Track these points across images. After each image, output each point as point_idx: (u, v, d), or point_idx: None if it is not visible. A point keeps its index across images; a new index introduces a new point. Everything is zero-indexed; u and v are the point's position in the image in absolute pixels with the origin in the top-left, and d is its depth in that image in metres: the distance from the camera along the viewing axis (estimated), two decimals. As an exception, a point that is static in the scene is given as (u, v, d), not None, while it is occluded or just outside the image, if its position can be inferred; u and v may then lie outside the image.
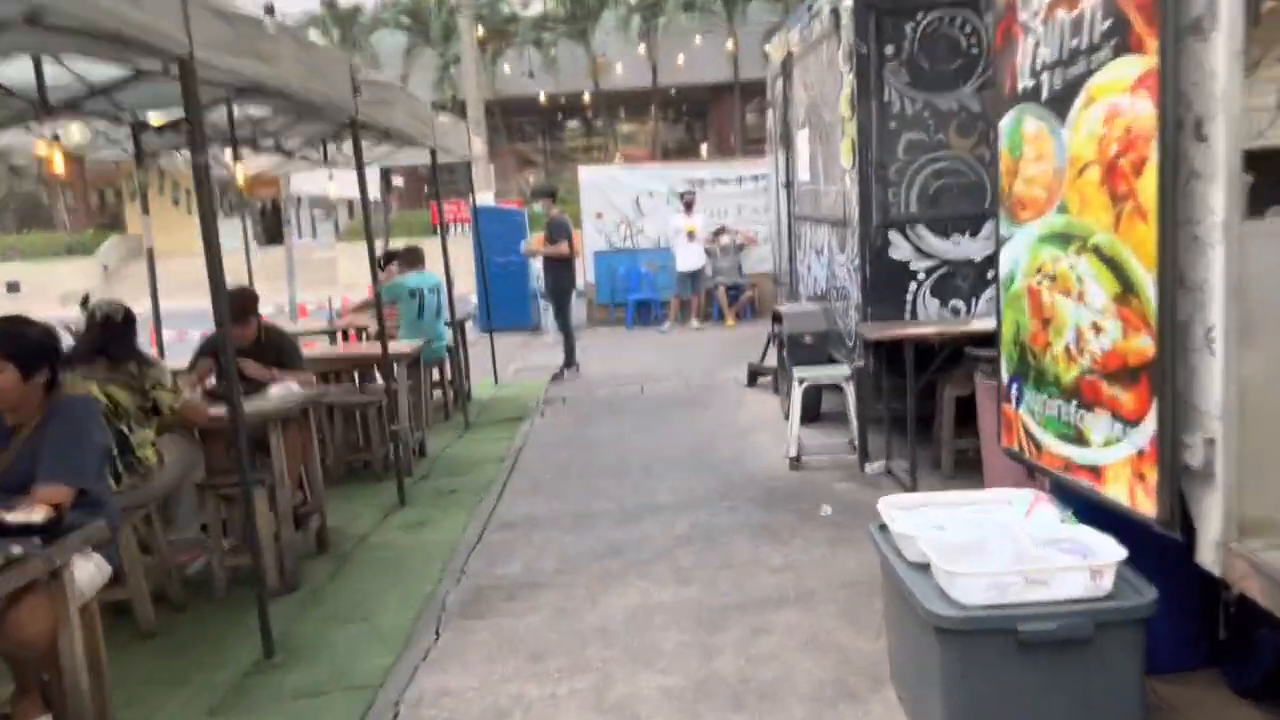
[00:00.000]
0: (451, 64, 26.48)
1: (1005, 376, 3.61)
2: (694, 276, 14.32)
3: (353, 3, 26.37)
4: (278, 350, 5.77)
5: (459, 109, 26.07)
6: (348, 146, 9.67)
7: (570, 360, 10.18)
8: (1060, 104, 3.10)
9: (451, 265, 9.07)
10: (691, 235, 14.17)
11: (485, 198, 16.85)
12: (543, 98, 28.13)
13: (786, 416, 7.33)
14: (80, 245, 29.08)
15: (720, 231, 14.90)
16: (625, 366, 10.97)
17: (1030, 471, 3.57)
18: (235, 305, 5.58)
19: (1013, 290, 3.51)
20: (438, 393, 9.33)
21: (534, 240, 10.10)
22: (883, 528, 3.38)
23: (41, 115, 5.83)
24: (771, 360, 8.68)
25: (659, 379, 9.86)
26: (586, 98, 28.61)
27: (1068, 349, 3.15)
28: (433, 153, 8.47)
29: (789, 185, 8.30)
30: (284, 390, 5.30)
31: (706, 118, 32.69)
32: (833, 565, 4.58)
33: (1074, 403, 3.14)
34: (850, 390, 6.21)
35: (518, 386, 10.51)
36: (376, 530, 5.90)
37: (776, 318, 7.82)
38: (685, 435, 7.42)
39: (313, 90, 5.50)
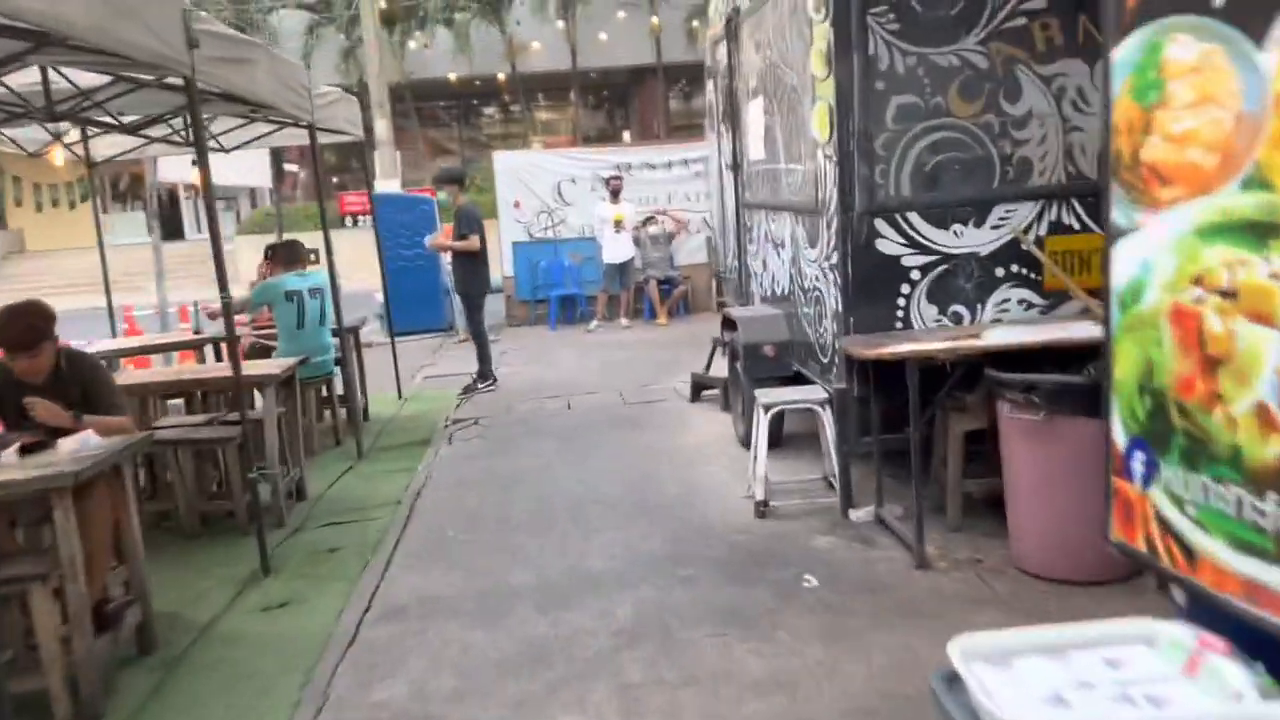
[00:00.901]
0: (356, 46, 24.67)
1: (1122, 438, 2.38)
2: (622, 269, 13.01)
3: (248, -22, 24.45)
4: (82, 385, 4.30)
5: (363, 92, 24.35)
6: (221, 125, 8.20)
7: (485, 371, 8.79)
8: (1256, 12, 1.87)
9: (359, 261, 7.74)
10: (619, 224, 12.85)
11: (390, 185, 15.33)
12: (454, 78, 26.46)
13: (743, 442, 6.10)
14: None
15: (649, 220, 13.61)
16: (549, 374, 9.62)
17: (1160, 581, 2.35)
18: (17, 329, 4.13)
19: (1139, 310, 2.27)
20: (327, 413, 7.89)
21: (441, 233, 8.67)
22: (951, 679, 2.15)
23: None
24: (718, 370, 7.44)
25: (588, 390, 8.53)
26: (502, 79, 27.03)
27: (1261, 409, 1.93)
28: (311, 130, 7.00)
29: (736, 168, 7.04)
30: (77, 445, 3.84)
31: (628, 103, 31.35)
32: (836, 678, 3.32)
33: (1272, 496, 1.93)
34: (828, 418, 4.97)
35: (425, 401, 9.09)
36: (226, 614, 4.49)
37: (728, 323, 6.56)
38: (622, 466, 6.11)
39: (123, 38, 4.06)
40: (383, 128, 15.91)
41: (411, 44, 25.58)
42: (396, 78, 25.54)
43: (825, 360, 5.12)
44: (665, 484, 5.66)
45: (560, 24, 25.36)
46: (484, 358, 8.73)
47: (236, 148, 9.18)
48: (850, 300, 4.73)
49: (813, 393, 5.07)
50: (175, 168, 10.53)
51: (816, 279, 5.14)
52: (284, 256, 7.59)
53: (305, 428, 7.54)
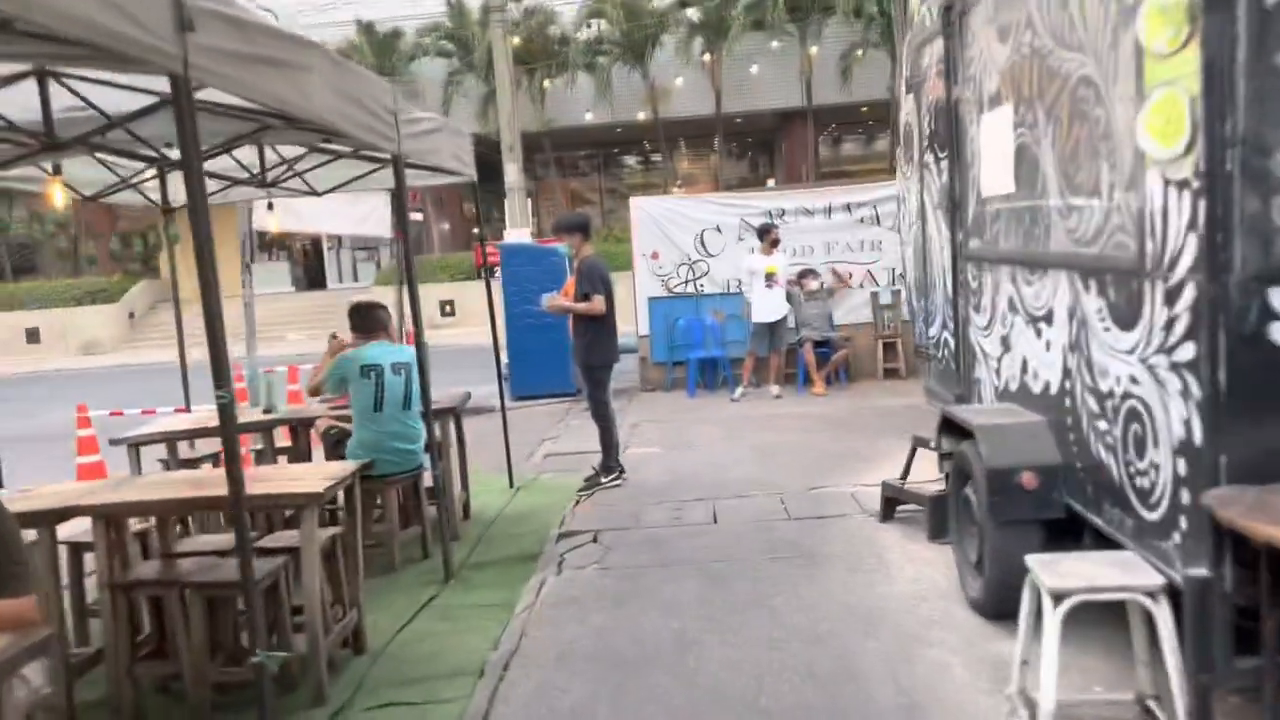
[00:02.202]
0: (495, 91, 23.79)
1: None
2: (773, 329, 11.10)
3: (390, 26, 23.85)
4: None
5: (493, 136, 23.36)
6: (308, 161, 6.79)
7: (610, 462, 6.99)
8: None
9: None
10: (771, 278, 10.97)
11: (521, 235, 13.93)
12: (593, 123, 25.24)
13: (979, 608, 4.07)
14: (104, 292, 26.77)
15: (806, 274, 11.68)
16: (687, 460, 7.75)
17: None
18: None
19: None
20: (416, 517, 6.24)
21: (561, 292, 6.96)
22: None
23: (47, 149, 4.84)
24: (923, 482, 5.45)
25: (737, 489, 6.62)
26: (643, 122, 25.67)
27: None
28: (396, 164, 5.41)
29: (954, 207, 5.07)
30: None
31: (774, 149, 29.57)
32: None
33: None
34: (1165, 617, 2.92)
35: (540, 491, 7.37)
36: None
37: (950, 426, 4.56)
38: (800, 640, 4.11)
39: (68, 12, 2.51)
40: (513, 173, 14.57)
41: (549, 88, 24.51)
42: (535, 125, 24.51)
43: (1152, 514, 3.08)
44: (873, 686, 3.65)
45: (705, 61, 23.79)
46: (608, 445, 6.93)
47: (330, 191, 7.78)
48: (1222, 425, 2.70)
49: (1134, 573, 3.02)
50: (272, 215, 9.25)
51: (1133, 381, 3.12)
52: (361, 323, 6.02)
53: (383, 537, 5.93)
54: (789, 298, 11.29)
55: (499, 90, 15.36)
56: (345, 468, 4.55)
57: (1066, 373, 3.69)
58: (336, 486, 4.32)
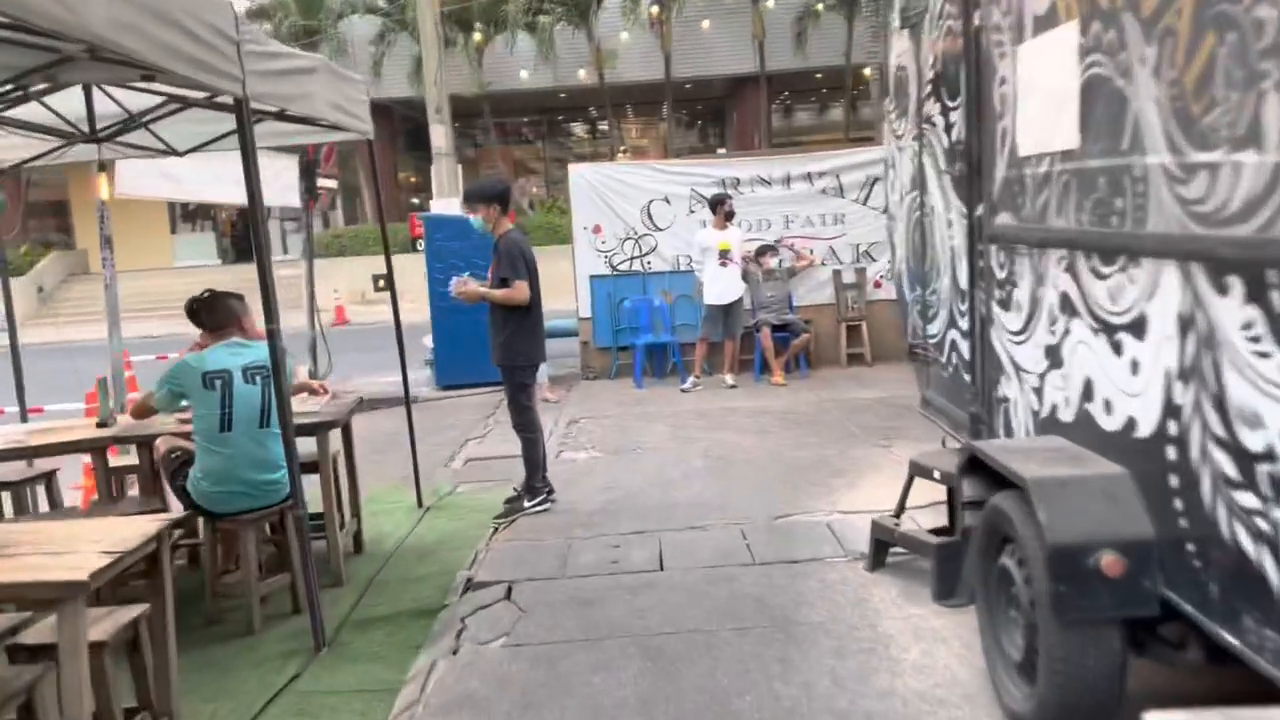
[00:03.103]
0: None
1: None
2: (728, 312, 9.88)
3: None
4: None
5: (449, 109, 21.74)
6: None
7: (534, 484, 5.68)
8: None
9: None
10: (725, 255, 9.74)
11: (450, 205, 12.50)
12: (531, 82, 23.66)
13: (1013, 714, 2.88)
14: (11, 265, 24.70)
15: (764, 250, 10.46)
16: (630, 474, 6.49)
17: None
18: None
19: None
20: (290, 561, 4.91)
21: (464, 281, 5.51)
22: None
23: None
24: (919, 508, 4.26)
25: (690, 517, 5.36)
26: (589, 89, 24.17)
27: None
28: (239, 109, 4.01)
29: (971, 172, 3.83)
30: None
31: (725, 117, 28.23)
32: None
33: None
34: None
35: (453, 514, 6.08)
36: None
37: (978, 467, 3.34)
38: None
39: None
40: (440, 136, 13.10)
41: (487, 49, 22.84)
42: (473, 88, 22.92)
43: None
44: None
45: (653, 12, 22.25)
46: (533, 462, 5.63)
47: (195, 150, 6.38)
48: None
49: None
50: (140, 177, 7.74)
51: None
52: (209, 318, 4.66)
53: (240, 590, 4.61)
54: (745, 277, 10.08)
55: (424, 45, 13.80)
56: (141, 529, 3.21)
57: (1172, 410, 2.49)
58: (119, 564, 2.99)
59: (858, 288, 10.83)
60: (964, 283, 4.03)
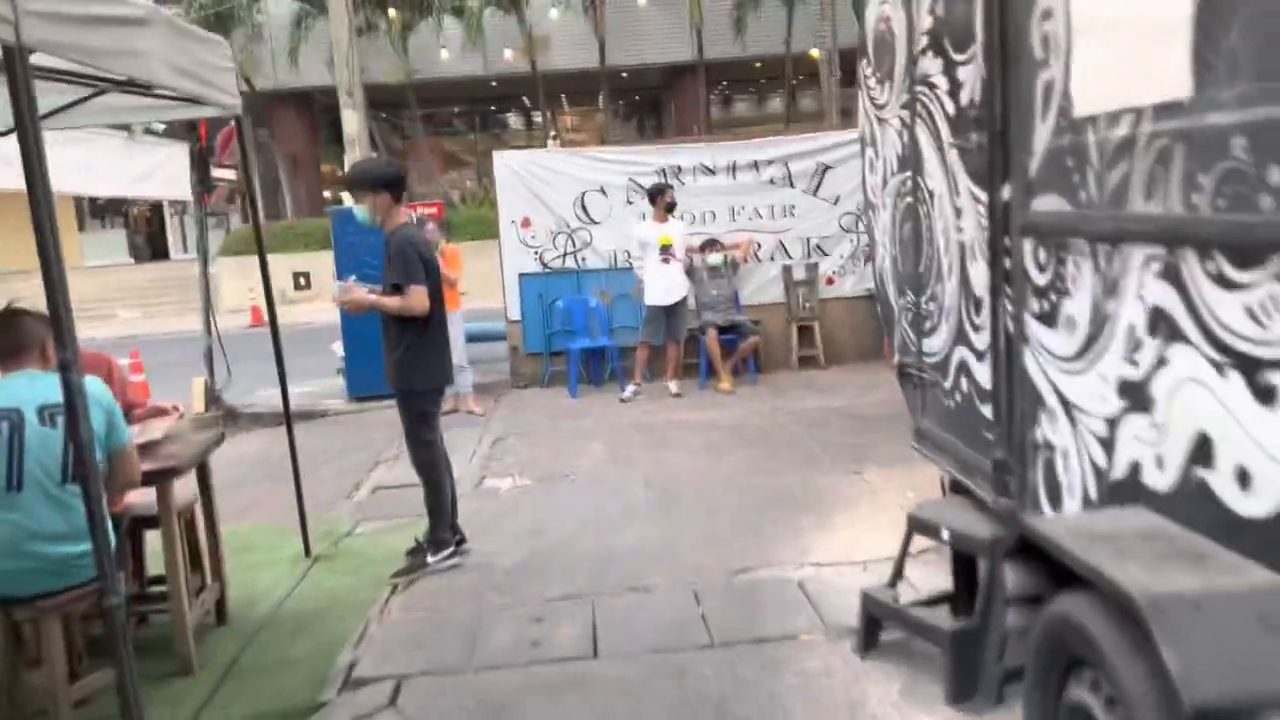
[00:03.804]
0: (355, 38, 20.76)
1: None
2: (670, 313, 8.91)
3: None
4: None
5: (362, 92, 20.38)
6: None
7: (440, 535, 4.58)
8: None
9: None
10: (666, 251, 8.76)
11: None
12: (460, 69, 22.40)
13: None
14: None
15: (709, 244, 9.50)
16: (559, 512, 5.43)
17: None
18: None
19: None
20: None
21: (348, 287, 4.37)
22: None
23: None
24: (910, 573, 3.31)
25: (630, 573, 4.34)
26: (521, 78, 22.99)
27: None
28: (10, 59, 2.89)
29: (994, 144, 2.87)
30: None
31: (662, 107, 27.24)
32: None
33: None
34: None
35: (345, 565, 4.99)
36: None
37: (1030, 551, 2.39)
38: None
39: None
40: (353, 122, 11.88)
41: (413, 34, 21.52)
42: (398, 76, 21.61)
43: None
44: None
45: (585, 1, 21.23)
46: (439, 510, 4.56)
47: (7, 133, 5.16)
48: None
49: None
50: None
51: None
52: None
53: (44, 693, 3.48)
54: (689, 273, 9.10)
55: (333, 20, 12.57)
56: None
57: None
58: None
59: (809, 285, 9.94)
60: (980, 287, 3.08)
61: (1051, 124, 2.56)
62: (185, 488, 4.30)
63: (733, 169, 9.79)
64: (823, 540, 4.55)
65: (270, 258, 19.10)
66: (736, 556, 4.43)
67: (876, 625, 3.39)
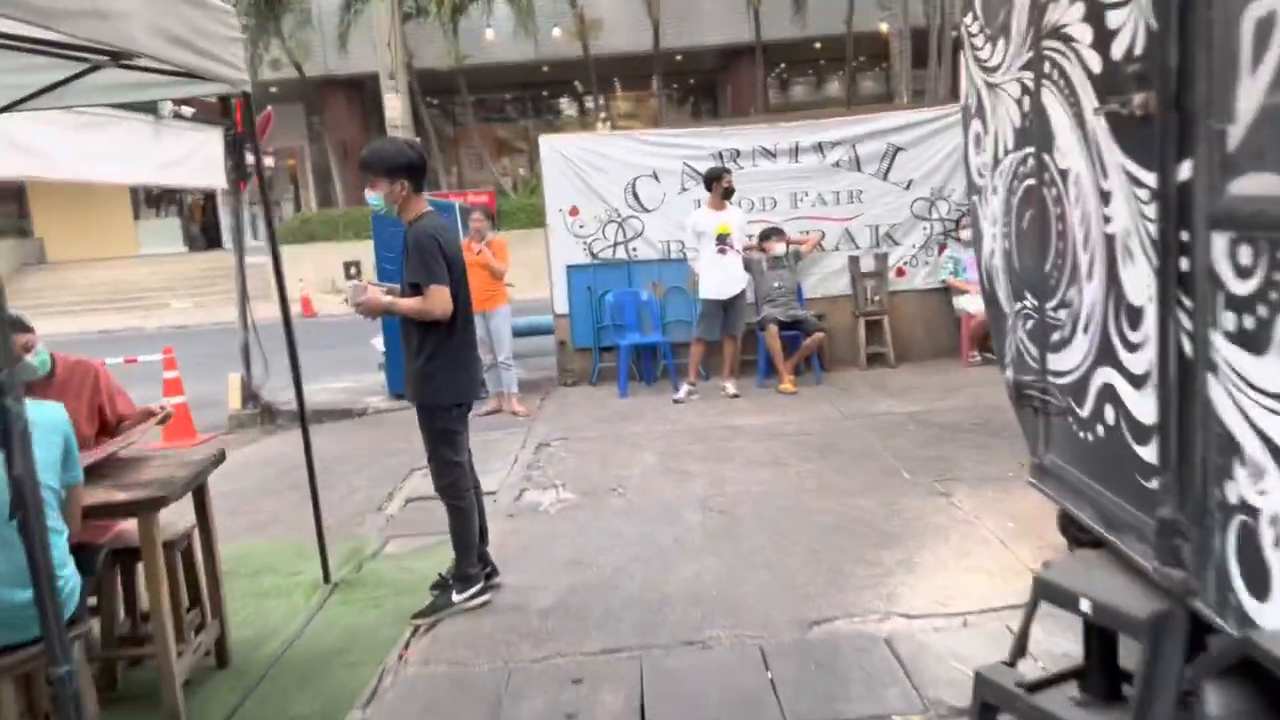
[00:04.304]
0: (404, 22, 20.31)
1: None
2: (727, 308, 8.24)
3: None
4: None
5: (410, 78, 19.94)
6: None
7: (465, 569, 3.96)
8: None
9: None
10: (723, 240, 8.09)
11: (408, 185, 10.86)
12: (511, 55, 21.84)
13: None
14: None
15: (770, 234, 8.80)
16: (605, 541, 4.80)
17: None
18: None
19: None
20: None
21: (363, 288, 3.79)
22: None
23: None
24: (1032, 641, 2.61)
25: (683, 624, 3.69)
26: (574, 62, 22.37)
27: None
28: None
29: (1169, 110, 2.16)
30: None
31: (717, 91, 26.41)
32: None
33: None
34: None
35: (365, 596, 4.43)
36: None
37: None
38: None
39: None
40: (396, 106, 11.37)
41: (462, 18, 20.98)
42: (449, 61, 21.13)
43: None
44: None
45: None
46: (464, 542, 3.96)
47: (20, 104, 4.72)
48: None
49: None
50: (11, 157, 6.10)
51: None
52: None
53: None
54: (747, 266, 8.42)
55: (374, 1, 12.07)
56: None
57: None
58: None
59: (878, 276, 9.19)
60: (1137, 294, 2.38)
61: (1269, 77, 1.86)
62: (179, 516, 3.78)
63: (795, 152, 9.08)
64: (911, 584, 3.87)
65: (321, 246, 18.91)
66: (810, 603, 3.77)
67: (993, 711, 2.72)
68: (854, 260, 9.19)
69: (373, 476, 6.69)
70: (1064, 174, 2.73)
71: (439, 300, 3.68)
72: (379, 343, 9.48)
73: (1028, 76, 2.91)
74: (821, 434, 6.75)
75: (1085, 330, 2.67)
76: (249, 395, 9.11)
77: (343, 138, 22.25)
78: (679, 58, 23.72)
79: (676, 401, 8.16)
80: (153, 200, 26.23)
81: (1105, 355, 2.57)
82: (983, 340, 8.92)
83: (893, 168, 9.08)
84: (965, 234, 8.94)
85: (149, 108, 7.72)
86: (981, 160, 3.35)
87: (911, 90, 17.13)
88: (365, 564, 4.97)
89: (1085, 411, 2.71)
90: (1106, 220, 2.50)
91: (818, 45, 23.06)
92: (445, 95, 24.29)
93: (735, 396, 8.16)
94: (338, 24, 20.12)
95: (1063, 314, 2.81)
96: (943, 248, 9.15)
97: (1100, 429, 2.63)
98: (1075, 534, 3.68)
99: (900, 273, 9.24)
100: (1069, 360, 2.79)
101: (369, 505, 6.06)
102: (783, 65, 25.92)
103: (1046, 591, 2.62)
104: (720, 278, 8.11)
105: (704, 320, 8.28)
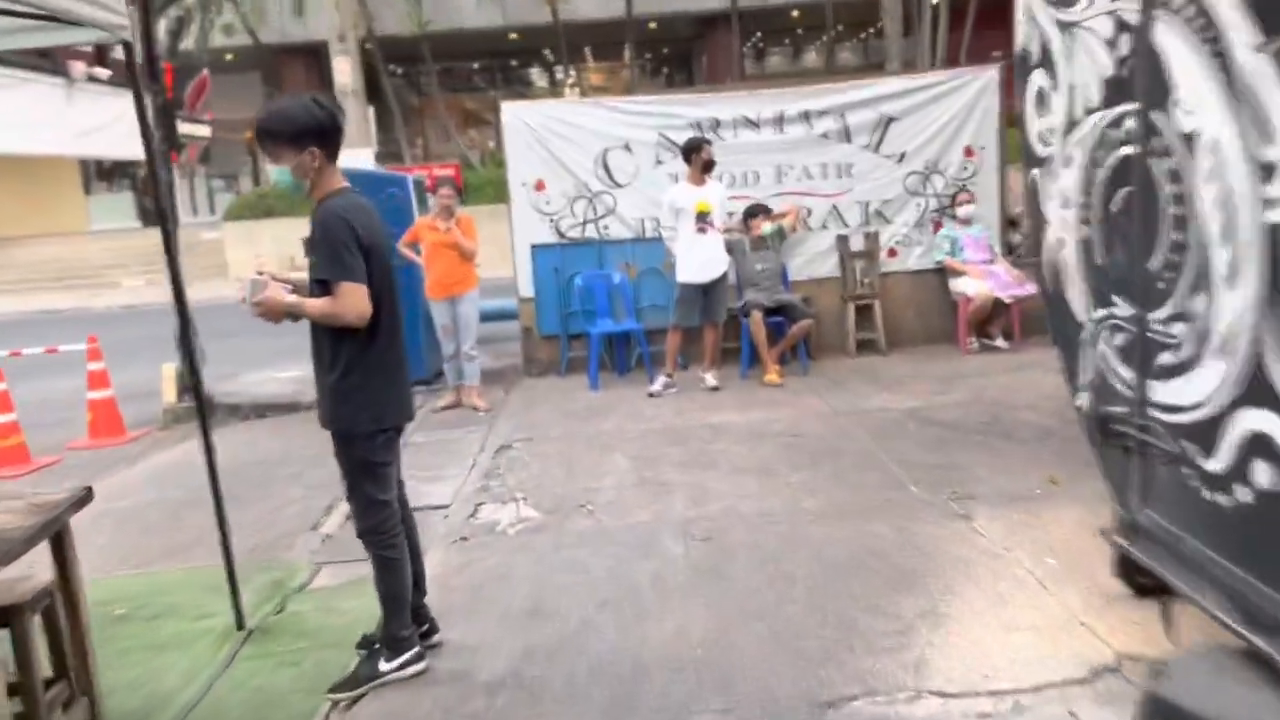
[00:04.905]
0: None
1: None
2: (708, 292, 7.47)
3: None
4: None
5: (372, 44, 18.88)
6: None
7: (398, 630, 3.19)
8: None
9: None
10: (703, 219, 7.31)
11: (359, 158, 9.87)
12: (477, 20, 20.82)
13: None
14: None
15: (755, 211, 8.03)
16: (570, 582, 3.99)
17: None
18: None
19: None
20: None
21: (264, 281, 3.02)
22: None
23: None
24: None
25: (669, 695, 2.96)
26: (543, 29, 21.36)
27: None
28: None
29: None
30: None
31: (692, 60, 25.47)
32: None
33: None
34: None
35: (281, 656, 3.61)
36: None
37: None
38: None
39: None
40: (345, 70, 10.41)
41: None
42: (411, 27, 20.07)
43: None
44: None
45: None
46: (394, 602, 3.15)
47: None
48: None
49: None
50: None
51: None
52: None
53: None
54: (729, 247, 7.66)
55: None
56: None
57: None
58: None
59: (868, 257, 8.46)
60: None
61: None
62: (25, 569, 2.98)
63: (780, 121, 8.30)
64: (941, 646, 3.15)
65: (278, 222, 17.67)
66: (821, 673, 3.03)
67: None
68: (843, 239, 8.45)
69: (312, 485, 5.89)
70: (1189, 139, 1.98)
71: (352, 302, 2.88)
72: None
73: (1130, 9, 2.15)
74: (813, 435, 6.03)
75: (1220, 354, 1.93)
76: (184, 387, 8.26)
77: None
78: (652, 25, 22.76)
79: (652, 395, 7.41)
80: (104, 174, 24.98)
81: (1256, 393, 1.83)
82: (980, 325, 8.24)
83: (885, 139, 8.33)
84: (964, 210, 8.22)
85: (60, 70, 6.82)
86: (1046, 124, 2.59)
87: (901, 60, 16.36)
88: (289, 600, 4.20)
89: (1217, 465, 1.97)
90: (1268, 205, 1.76)
91: (794, 13, 22.20)
92: (409, 64, 23.21)
93: (716, 389, 7.43)
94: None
95: (1179, 329, 2.07)
96: (938, 225, 8.42)
97: (1243, 493, 1.90)
98: (1139, 579, 2.98)
99: (892, 253, 8.52)
100: (1190, 392, 2.05)
101: (303, 523, 5.28)
102: (759, 35, 25.03)
103: (1163, 714, 1.89)
104: (700, 259, 7.35)
105: (682, 306, 7.51)
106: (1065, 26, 2.45)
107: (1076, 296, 2.53)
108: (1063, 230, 2.56)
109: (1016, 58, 2.75)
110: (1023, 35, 2.68)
